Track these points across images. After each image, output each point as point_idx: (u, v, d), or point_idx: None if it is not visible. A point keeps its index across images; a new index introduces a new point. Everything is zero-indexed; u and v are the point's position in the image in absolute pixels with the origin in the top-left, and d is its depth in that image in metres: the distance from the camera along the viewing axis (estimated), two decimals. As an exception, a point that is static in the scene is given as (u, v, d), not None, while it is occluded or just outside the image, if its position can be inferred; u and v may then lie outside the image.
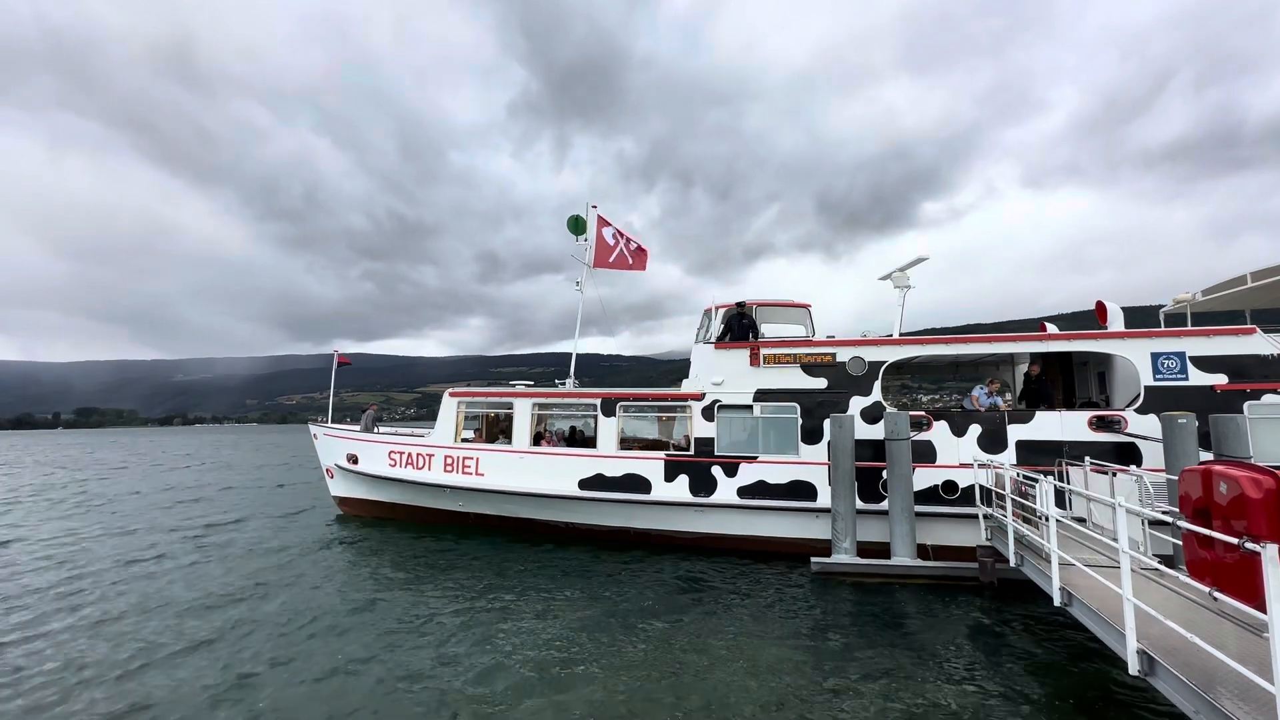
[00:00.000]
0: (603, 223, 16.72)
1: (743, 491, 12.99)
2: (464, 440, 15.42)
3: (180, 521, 18.03)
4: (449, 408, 15.53)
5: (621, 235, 16.81)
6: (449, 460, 15.01)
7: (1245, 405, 11.05)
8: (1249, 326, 11.49)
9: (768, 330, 14.65)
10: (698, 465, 13.32)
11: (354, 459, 16.41)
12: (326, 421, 17.78)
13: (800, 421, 13.06)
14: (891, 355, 12.94)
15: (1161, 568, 5.86)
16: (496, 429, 15.76)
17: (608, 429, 14.11)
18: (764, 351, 13.48)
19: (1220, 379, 11.35)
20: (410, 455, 15.50)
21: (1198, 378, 11.44)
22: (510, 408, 15.07)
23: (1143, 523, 8.53)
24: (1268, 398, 11.09)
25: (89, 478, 33.08)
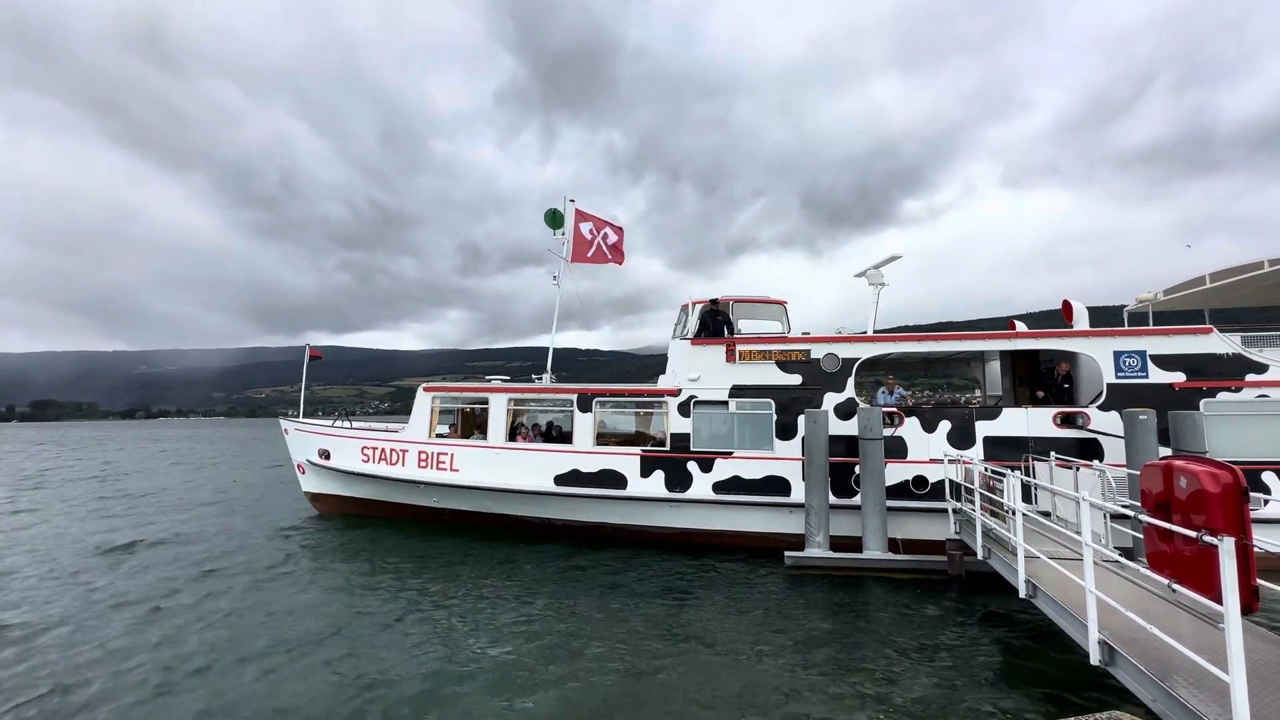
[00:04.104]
0: (580, 217, 16.56)
1: (718, 487, 13.04)
2: (439, 436, 15.22)
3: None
4: (423, 403, 15.29)
5: (599, 229, 16.64)
6: (423, 456, 14.79)
7: (1201, 402, 11.43)
8: (1206, 326, 11.87)
9: (744, 326, 14.72)
10: (673, 461, 13.33)
11: (325, 454, 16.07)
12: (298, 416, 17.38)
13: (775, 417, 13.15)
14: (864, 352, 13.09)
15: (1123, 560, 6.02)
16: (472, 424, 15.59)
17: (584, 425, 14.05)
18: (739, 348, 13.53)
19: (1179, 377, 11.71)
20: (383, 451, 15.23)
21: (1157, 375, 11.78)
22: (486, 403, 14.92)
23: (1105, 516, 8.77)
24: (1223, 395, 11.48)
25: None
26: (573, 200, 16.52)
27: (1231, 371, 11.52)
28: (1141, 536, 5.96)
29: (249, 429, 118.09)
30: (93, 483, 27.26)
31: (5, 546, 14.04)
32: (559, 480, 13.76)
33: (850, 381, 13.00)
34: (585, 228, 16.60)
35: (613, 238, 16.86)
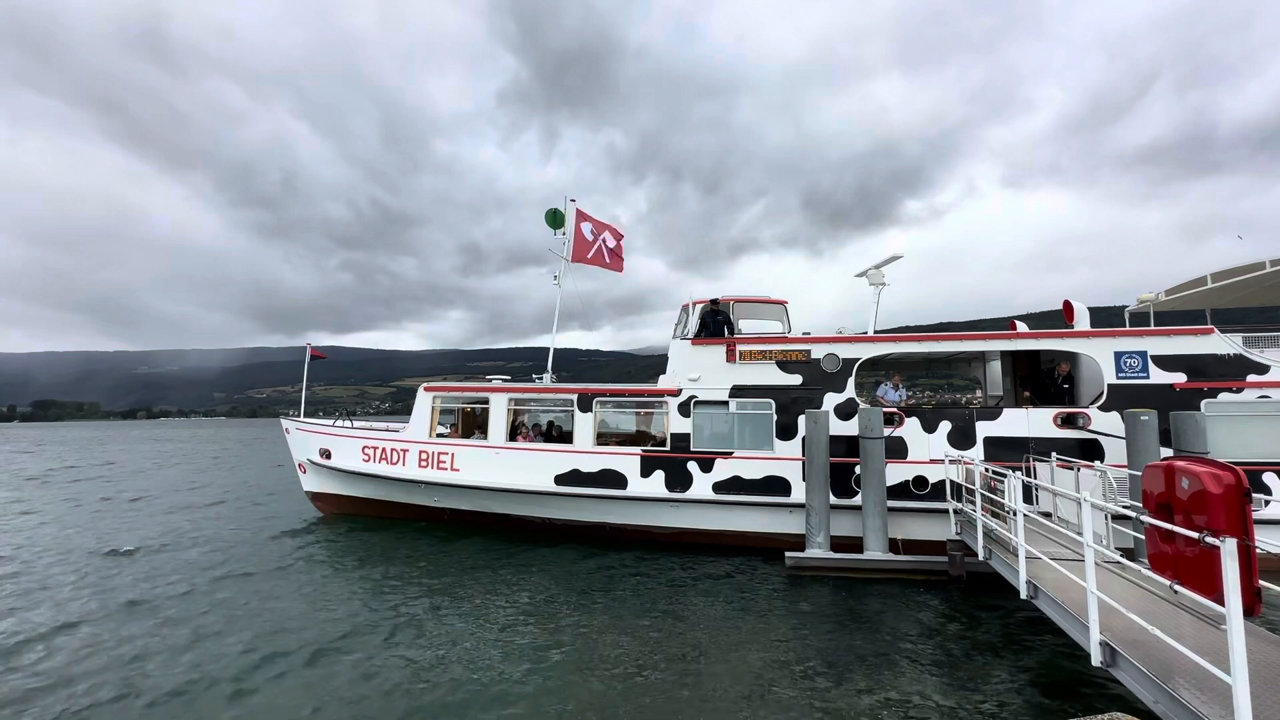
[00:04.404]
0: (581, 217, 16.56)
1: (718, 487, 13.03)
2: (439, 435, 15.23)
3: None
4: (424, 403, 15.31)
5: (598, 233, 16.62)
6: (424, 455, 14.79)
7: (1203, 403, 11.40)
8: (1207, 327, 11.84)
9: (745, 326, 14.71)
10: (674, 461, 13.32)
11: (326, 454, 16.08)
12: (299, 415, 17.38)
13: (775, 417, 13.14)
14: (865, 352, 13.07)
15: (1124, 561, 6.00)
16: (473, 424, 15.59)
17: (584, 425, 14.04)
18: (740, 348, 13.52)
19: (1180, 377, 11.68)
20: (384, 450, 15.24)
21: (1159, 376, 11.76)
22: (486, 403, 14.93)
23: (1106, 517, 8.75)
24: (1224, 396, 11.45)
25: None
26: (573, 200, 16.54)
27: (1233, 372, 11.49)
28: (1143, 537, 5.94)
29: (250, 429, 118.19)
30: (96, 483, 27.27)
31: (13, 548, 14.04)
32: (559, 480, 13.76)
33: (850, 382, 12.98)
34: (586, 228, 16.61)
35: (612, 242, 16.87)
